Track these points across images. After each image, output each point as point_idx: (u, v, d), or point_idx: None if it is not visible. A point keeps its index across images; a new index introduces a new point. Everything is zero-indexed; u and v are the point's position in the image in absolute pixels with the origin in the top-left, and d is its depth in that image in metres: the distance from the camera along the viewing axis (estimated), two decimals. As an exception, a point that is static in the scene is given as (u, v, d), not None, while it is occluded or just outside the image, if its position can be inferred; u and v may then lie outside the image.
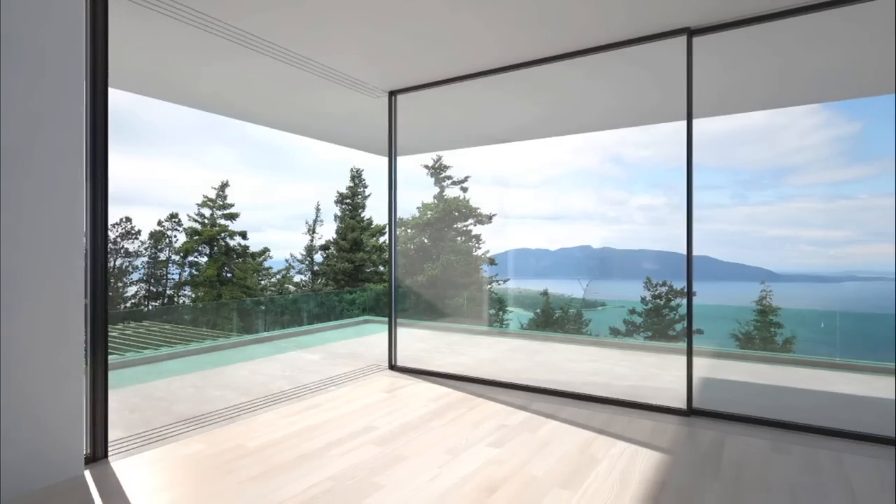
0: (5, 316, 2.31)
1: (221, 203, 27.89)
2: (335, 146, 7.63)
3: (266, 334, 7.77)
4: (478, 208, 18.16)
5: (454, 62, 4.26)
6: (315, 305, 13.68)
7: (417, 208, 18.67)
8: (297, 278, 28.67)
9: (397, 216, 5.15)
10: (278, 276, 28.36)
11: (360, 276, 25.96)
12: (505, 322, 12.10)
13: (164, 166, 51.13)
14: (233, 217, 27.81)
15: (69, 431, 2.54)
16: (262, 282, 27.89)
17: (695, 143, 3.63)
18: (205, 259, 27.07)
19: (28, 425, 2.39)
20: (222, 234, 27.19)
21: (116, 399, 3.98)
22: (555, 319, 12.34)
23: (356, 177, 28.26)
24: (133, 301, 27.01)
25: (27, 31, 2.38)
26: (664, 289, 12.61)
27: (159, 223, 28.14)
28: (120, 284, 26.50)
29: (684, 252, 3.62)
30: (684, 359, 3.63)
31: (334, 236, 27.72)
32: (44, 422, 2.44)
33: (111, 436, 3.10)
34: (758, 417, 3.41)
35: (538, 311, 12.58)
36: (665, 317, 12.36)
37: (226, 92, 4.98)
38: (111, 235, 26.83)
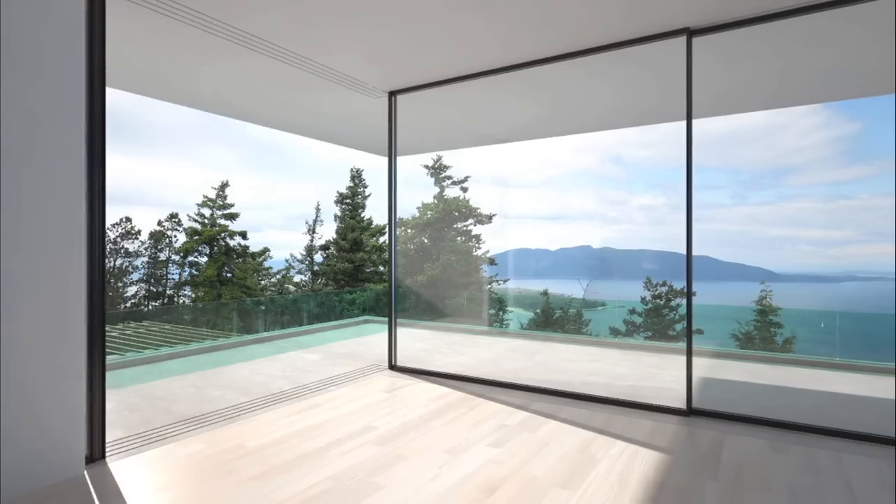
0: (5, 316, 2.31)
1: (221, 203, 27.89)
2: (335, 146, 7.63)
3: (266, 334, 7.77)
4: (478, 208, 18.18)
5: (454, 62, 4.26)
6: (315, 305, 13.68)
7: (417, 208, 18.68)
8: (297, 278, 28.69)
9: (397, 216, 5.15)
10: (278, 276, 28.37)
11: (360, 276, 25.97)
12: (505, 322, 12.10)
13: (164, 166, 51.17)
14: (233, 217, 27.82)
15: (69, 431, 2.54)
16: (262, 282, 27.90)
17: (695, 143, 3.63)
18: (205, 259, 27.08)
19: (28, 425, 2.39)
20: (222, 234, 27.19)
21: (117, 399, 3.98)
22: (555, 319, 12.35)
23: (356, 177, 28.27)
24: (133, 301, 27.02)
25: (27, 31, 2.38)
26: (664, 289, 12.62)
27: (159, 223, 28.16)
28: (120, 284, 26.51)
29: (684, 252, 3.63)
30: (684, 359, 3.63)
31: (334, 236, 27.73)
32: (44, 422, 2.44)
33: (112, 436, 3.10)
34: (757, 417, 3.41)
35: (538, 311, 12.59)
36: (665, 317, 12.36)
37: (225, 92, 4.98)
38: (111, 235, 26.85)
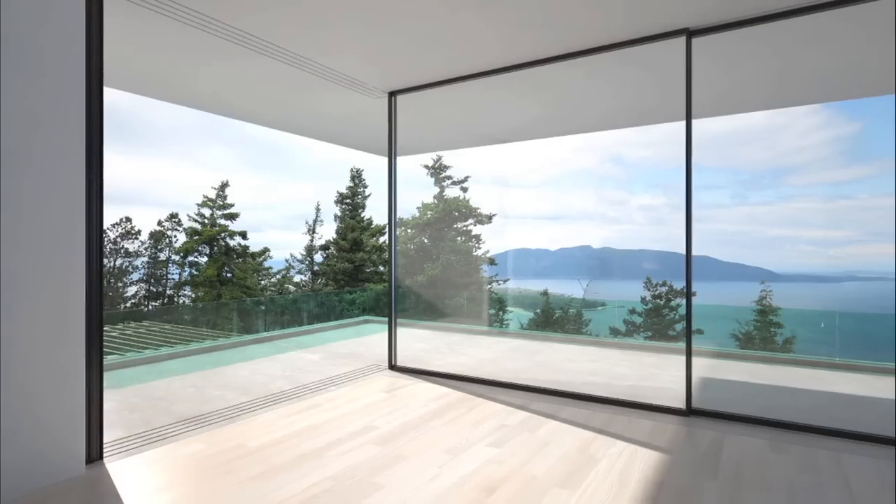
0: (5, 316, 2.31)
1: (221, 203, 27.89)
2: (335, 146, 7.63)
3: (266, 334, 7.77)
4: (478, 208, 18.18)
5: (454, 62, 4.26)
6: (315, 305, 13.68)
7: (417, 208, 18.69)
8: (297, 278, 28.69)
9: (397, 216, 5.15)
10: (278, 276, 28.37)
11: (360, 276, 25.97)
12: (505, 322, 12.11)
13: (164, 166, 51.21)
14: (233, 217, 27.82)
15: (69, 431, 2.54)
16: (262, 282, 27.90)
17: (695, 143, 3.63)
18: (205, 259, 27.07)
19: (28, 425, 2.39)
20: (222, 234, 27.19)
21: (117, 399, 3.98)
22: (555, 319, 12.36)
23: (356, 177, 28.27)
24: (133, 301, 27.02)
25: (27, 31, 2.38)
26: (664, 289, 12.63)
27: (159, 223, 28.16)
28: (120, 284, 26.51)
29: (684, 252, 3.63)
30: (684, 359, 3.63)
31: (334, 236, 27.73)
32: (44, 422, 2.44)
33: (112, 436, 3.10)
34: (757, 417, 3.41)
35: (538, 311, 12.60)
36: (665, 317, 12.37)
37: (225, 92, 4.98)
38: (112, 235, 26.84)
